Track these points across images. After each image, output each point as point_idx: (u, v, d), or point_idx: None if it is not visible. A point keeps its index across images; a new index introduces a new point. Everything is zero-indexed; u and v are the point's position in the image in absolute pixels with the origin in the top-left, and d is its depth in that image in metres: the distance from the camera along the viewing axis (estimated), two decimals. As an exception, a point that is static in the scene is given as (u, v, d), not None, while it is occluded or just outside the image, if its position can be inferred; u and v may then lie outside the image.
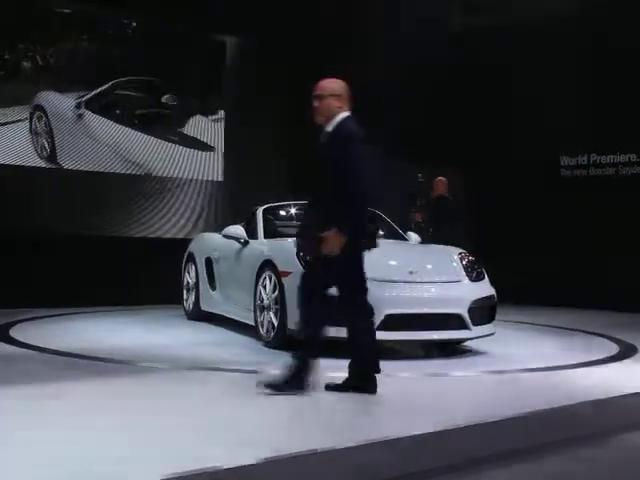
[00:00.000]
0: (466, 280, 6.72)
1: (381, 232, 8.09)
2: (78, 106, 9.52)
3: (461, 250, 7.19)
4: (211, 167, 11.25)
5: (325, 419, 4.27)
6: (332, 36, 11.49)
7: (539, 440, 4.34)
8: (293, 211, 8.26)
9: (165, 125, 10.76)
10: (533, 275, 11.83)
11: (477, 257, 7.18)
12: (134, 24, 10.45)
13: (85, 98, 9.69)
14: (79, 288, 9.43)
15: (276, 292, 6.60)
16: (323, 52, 11.47)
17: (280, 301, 6.53)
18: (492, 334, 6.84)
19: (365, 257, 6.65)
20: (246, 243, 7.54)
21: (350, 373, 4.83)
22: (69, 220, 9.84)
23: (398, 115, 11.95)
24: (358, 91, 11.62)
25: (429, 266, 6.83)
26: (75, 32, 10.02)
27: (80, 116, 9.56)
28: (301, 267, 6.35)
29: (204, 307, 8.49)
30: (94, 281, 9.49)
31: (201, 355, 6.39)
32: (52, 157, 9.62)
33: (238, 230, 7.63)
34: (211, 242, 8.48)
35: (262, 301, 6.85)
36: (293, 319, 6.29)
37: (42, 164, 9.79)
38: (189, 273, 8.84)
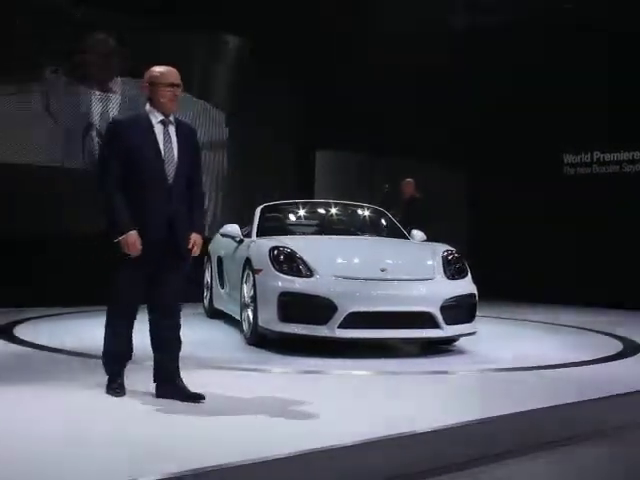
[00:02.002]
0: (442, 278, 6.58)
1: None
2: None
3: (448, 247, 7.07)
4: (214, 165, 11.25)
5: (318, 418, 4.20)
6: (332, 36, 11.51)
7: (541, 438, 4.31)
8: (293, 209, 8.27)
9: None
10: (535, 273, 11.84)
11: (464, 254, 7.11)
12: (136, 23, 10.45)
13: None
14: (85, 287, 9.44)
15: (252, 290, 6.64)
16: (323, 51, 11.50)
17: (253, 298, 6.57)
18: (472, 333, 6.73)
19: (339, 255, 6.67)
20: (241, 241, 7.57)
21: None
22: (72, 218, 9.86)
23: (399, 113, 11.97)
24: (359, 90, 11.78)
25: (403, 264, 6.74)
26: (79, 31, 10.17)
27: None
28: (271, 265, 6.42)
29: (216, 304, 8.58)
30: (98, 280, 9.47)
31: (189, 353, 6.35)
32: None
33: (234, 228, 7.65)
34: (221, 241, 8.52)
35: (244, 298, 6.91)
36: (263, 317, 6.40)
37: (42, 162, 9.81)
38: (207, 272, 8.96)
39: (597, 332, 8.41)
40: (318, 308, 6.16)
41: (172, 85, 4.45)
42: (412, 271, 6.62)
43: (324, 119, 11.47)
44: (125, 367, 4.64)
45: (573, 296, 11.13)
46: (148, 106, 4.51)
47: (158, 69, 4.49)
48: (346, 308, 6.11)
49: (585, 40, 11.67)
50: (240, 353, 6.47)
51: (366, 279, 6.34)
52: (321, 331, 6.16)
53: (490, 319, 9.64)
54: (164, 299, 4.50)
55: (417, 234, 7.72)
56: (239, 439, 3.66)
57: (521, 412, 4.37)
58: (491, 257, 12.37)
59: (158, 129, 4.47)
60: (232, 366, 5.76)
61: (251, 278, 6.67)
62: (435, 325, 6.34)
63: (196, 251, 4.49)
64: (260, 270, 6.50)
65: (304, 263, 6.41)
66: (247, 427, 3.89)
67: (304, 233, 7.80)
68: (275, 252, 6.52)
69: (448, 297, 6.43)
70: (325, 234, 7.74)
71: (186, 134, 4.58)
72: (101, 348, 6.10)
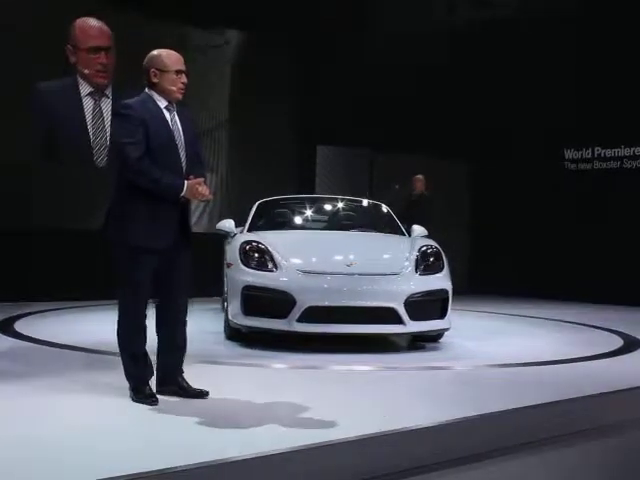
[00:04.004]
0: (411, 273, 6.46)
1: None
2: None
3: (429, 243, 6.96)
4: (215, 162, 11.24)
5: (317, 413, 4.14)
6: (333, 35, 11.52)
7: (539, 434, 4.29)
8: (289, 204, 8.25)
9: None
10: (536, 269, 11.83)
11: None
12: (135, 22, 10.39)
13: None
14: (86, 282, 9.46)
15: (227, 284, 6.72)
16: (324, 47, 11.50)
17: (227, 293, 6.62)
18: (444, 329, 6.64)
19: (311, 250, 6.68)
20: (234, 236, 7.57)
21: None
22: (73, 213, 9.85)
23: (400, 111, 11.96)
24: (360, 88, 11.77)
25: (373, 258, 6.67)
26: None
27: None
28: (239, 259, 6.47)
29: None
30: (98, 275, 9.47)
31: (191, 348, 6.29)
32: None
33: (229, 224, 7.63)
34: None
35: (225, 292, 7.01)
36: (231, 310, 6.46)
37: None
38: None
39: (597, 328, 8.40)
40: (278, 302, 6.17)
41: (181, 72, 4.26)
42: (379, 266, 6.55)
43: (325, 114, 11.46)
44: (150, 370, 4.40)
45: (573, 292, 11.12)
46: (149, 90, 4.27)
47: (165, 53, 4.26)
48: (305, 302, 6.10)
49: (587, 35, 11.64)
50: (239, 348, 6.42)
51: (329, 274, 6.32)
52: (280, 325, 6.17)
53: (490, 315, 9.66)
54: (175, 295, 4.36)
55: (417, 229, 7.55)
56: (238, 435, 3.66)
57: (519, 408, 4.34)
58: (492, 253, 12.36)
59: (166, 115, 4.26)
60: (232, 361, 5.76)
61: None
62: (398, 321, 6.24)
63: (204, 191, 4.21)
64: (231, 264, 6.58)
65: (272, 258, 6.43)
66: (246, 423, 3.85)
67: (297, 228, 7.77)
68: (247, 247, 6.57)
69: (414, 292, 6.32)
70: (317, 229, 7.74)
71: (188, 119, 4.40)
72: (100, 343, 6.15)
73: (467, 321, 8.99)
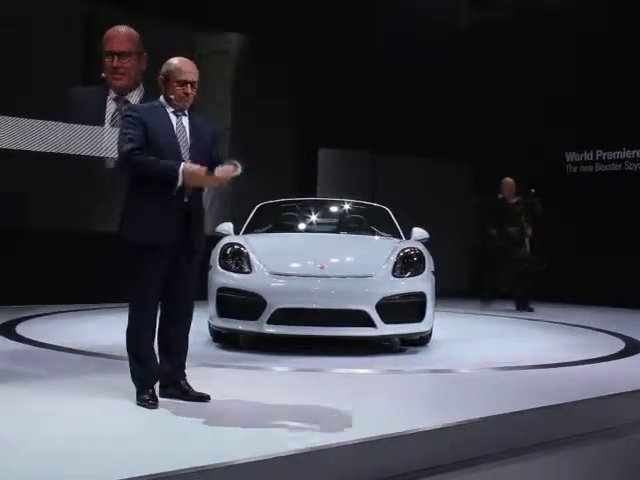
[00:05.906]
0: (386, 275, 6.39)
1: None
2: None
3: (411, 245, 6.87)
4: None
5: (319, 416, 4.13)
6: (332, 35, 11.52)
7: (543, 436, 4.29)
8: (289, 207, 8.24)
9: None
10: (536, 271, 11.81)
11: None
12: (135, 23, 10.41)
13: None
14: (86, 284, 9.46)
15: None
16: (324, 49, 11.50)
17: None
18: (422, 332, 6.53)
19: (288, 252, 6.69)
20: (221, 239, 7.54)
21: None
22: (76, 215, 9.85)
23: (401, 113, 11.97)
24: (361, 89, 11.77)
25: (349, 261, 6.67)
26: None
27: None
28: (217, 261, 6.52)
29: None
30: (99, 278, 9.49)
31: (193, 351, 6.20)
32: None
33: (228, 227, 7.60)
34: None
35: None
36: (210, 312, 6.51)
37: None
38: None
39: (599, 331, 8.38)
40: (250, 304, 6.19)
41: (185, 82, 4.29)
42: (353, 268, 6.51)
43: (327, 117, 11.47)
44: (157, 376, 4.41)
45: (574, 295, 11.11)
46: (162, 98, 4.38)
47: (174, 63, 4.32)
48: (275, 304, 6.10)
49: (588, 37, 11.64)
50: (240, 352, 6.34)
51: (300, 275, 6.33)
52: (252, 327, 6.19)
53: (491, 317, 9.65)
54: (178, 299, 4.37)
55: (416, 232, 7.36)
56: (239, 438, 3.65)
57: (523, 410, 4.33)
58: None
59: (172, 119, 4.35)
60: (233, 364, 5.71)
61: None
62: (370, 323, 6.18)
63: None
64: (211, 266, 6.61)
65: (248, 260, 6.45)
66: (248, 426, 3.85)
67: (293, 230, 7.74)
68: (228, 249, 6.60)
69: (388, 295, 6.25)
70: (314, 232, 7.72)
71: (200, 125, 4.45)
72: (102, 346, 6.16)
73: (468, 324, 9.00)
